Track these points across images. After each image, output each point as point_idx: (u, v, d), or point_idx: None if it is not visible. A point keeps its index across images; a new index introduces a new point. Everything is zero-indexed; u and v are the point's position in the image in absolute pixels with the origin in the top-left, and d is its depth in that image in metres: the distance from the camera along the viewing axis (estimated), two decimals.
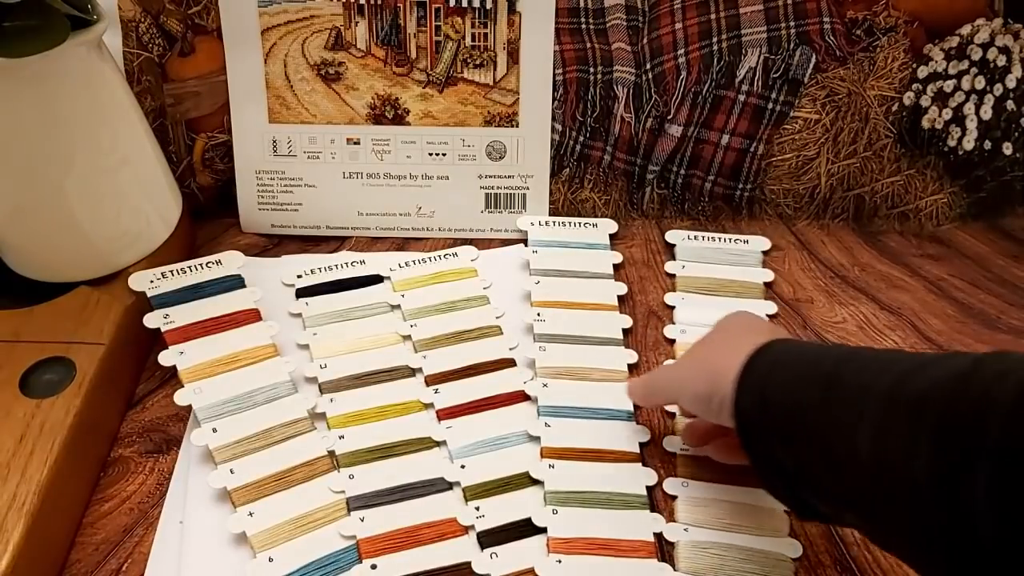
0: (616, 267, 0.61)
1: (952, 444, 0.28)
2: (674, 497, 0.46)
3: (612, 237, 0.64)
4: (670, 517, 0.45)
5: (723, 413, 0.39)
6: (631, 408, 0.50)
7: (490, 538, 0.43)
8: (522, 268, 0.61)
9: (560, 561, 0.42)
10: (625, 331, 0.56)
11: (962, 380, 0.29)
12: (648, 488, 0.46)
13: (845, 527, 0.37)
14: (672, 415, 0.50)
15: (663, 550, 0.44)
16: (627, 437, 0.48)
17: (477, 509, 0.44)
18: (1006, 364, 0.28)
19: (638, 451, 0.48)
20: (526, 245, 0.62)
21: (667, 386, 0.46)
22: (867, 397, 0.31)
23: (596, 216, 0.67)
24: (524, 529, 0.44)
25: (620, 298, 0.58)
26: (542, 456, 0.47)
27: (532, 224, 0.63)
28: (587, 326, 0.55)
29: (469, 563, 0.42)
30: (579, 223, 0.64)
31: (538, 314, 0.55)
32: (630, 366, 0.53)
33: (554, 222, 0.64)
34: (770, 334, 0.40)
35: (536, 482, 0.46)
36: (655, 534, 0.44)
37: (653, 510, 0.45)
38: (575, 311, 0.56)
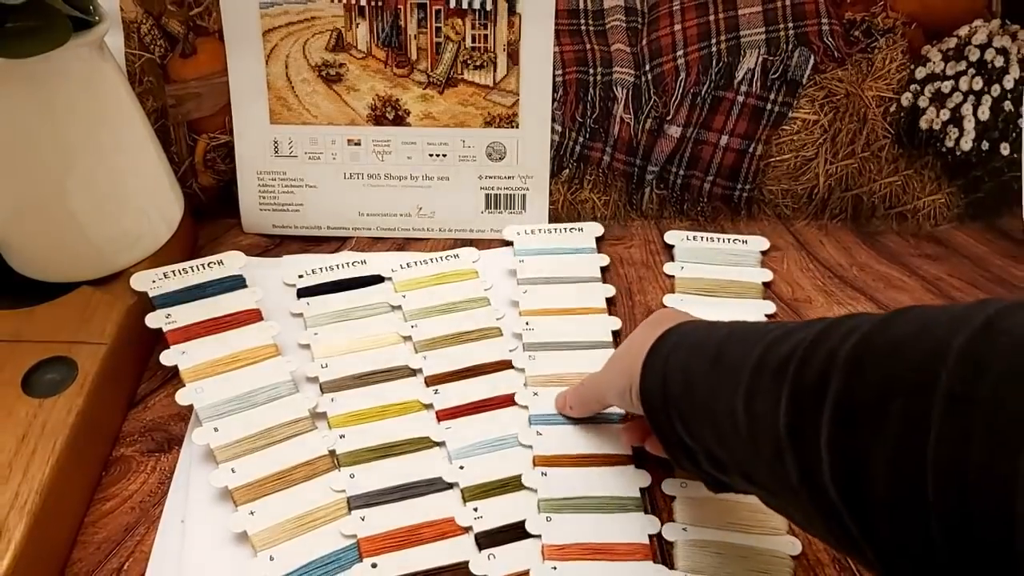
0: (604, 270, 0.61)
1: (803, 399, 0.29)
2: (672, 497, 0.46)
3: (603, 239, 0.64)
4: (668, 517, 0.45)
5: (637, 402, 0.40)
6: (622, 412, 0.49)
7: (488, 539, 0.43)
8: (514, 274, 0.61)
9: (555, 568, 0.42)
10: (615, 333, 0.56)
11: (815, 341, 0.30)
12: (642, 490, 0.46)
13: (746, 494, 0.37)
14: None
15: (662, 552, 0.44)
16: (617, 441, 0.48)
17: (475, 510, 0.44)
18: (853, 322, 0.29)
19: (630, 453, 0.47)
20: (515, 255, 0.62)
21: (594, 389, 0.47)
22: (742, 367, 0.33)
23: (596, 217, 0.67)
24: (522, 531, 0.44)
25: (610, 300, 0.58)
26: (535, 464, 0.47)
27: (518, 234, 0.63)
28: (576, 331, 0.55)
29: (467, 563, 0.42)
30: (565, 228, 0.64)
31: (527, 323, 0.55)
32: None
33: (540, 229, 0.64)
34: (680, 321, 0.41)
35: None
36: (651, 536, 0.44)
37: (650, 511, 0.45)
38: (564, 317, 0.56)
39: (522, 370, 0.53)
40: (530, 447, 0.48)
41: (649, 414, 0.39)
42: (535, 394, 0.51)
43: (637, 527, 0.44)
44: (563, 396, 0.50)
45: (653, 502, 0.46)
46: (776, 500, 0.34)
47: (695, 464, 0.38)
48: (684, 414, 0.37)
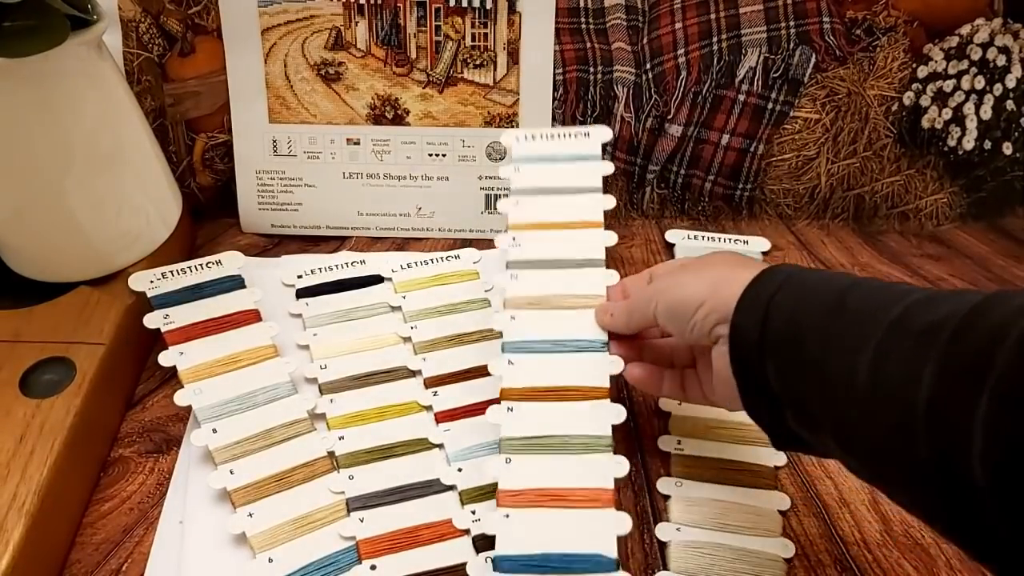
0: (606, 180, 0.54)
1: (957, 373, 0.27)
2: (667, 496, 0.46)
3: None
4: (663, 516, 0.45)
5: (702, 328, 0.38)
6: (606, 337, 0.45)
7: (486, 542, 0.43)
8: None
9: (508, 516, 0.39)
10: (608, 251, 0.51)
11: (976, 312, 0.28)
12: (615, 427, 0.42)
13: (825, 458, 0.36)
14: (666, 414, 0.50)
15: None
16: (598, 371, 0.43)
17: (473, 513, 0.44)
18: (1020, 300, 0.27)
19: (608, 386, 0.43)
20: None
21: (648, 303, 0.42)
22: (873, 323, 0.30)
23: None
24: None
25: (608, 215, 0.53)
26: (501, 398, 0.43)
27: (517, 139, 0.56)
28: (567, 247, 0.50)
29: (465, 564, 0.42)
30: (570, 133, 0.56)
31: (513, 238, 0.50)
32: (609, 288, 0.48)
33: (542, 134, 0.56)
34: (762, 267, 0.39)
35: None
36: (616, 480, 0.40)
37: (621, 452, 0.41)
38: (555, 232, 0.51)
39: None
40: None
41: (737, 352, 0.36)
42: (512, 318, 0.46)
43: (600, 471, 0.40)
44: (606, 307, 0.46)
45: (629, 443, 0.44)
46: (872, 470, 0.32)
47: (774, 416, 0.35)
48: (784, 361, 0.34)
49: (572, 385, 0.43)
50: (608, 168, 0.54)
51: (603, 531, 0.38)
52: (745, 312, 0.36)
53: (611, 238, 0.50)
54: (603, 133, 0.56)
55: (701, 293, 0.38)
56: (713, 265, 0.41)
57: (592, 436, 0.41)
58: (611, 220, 0.67)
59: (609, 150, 0.66)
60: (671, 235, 0.65)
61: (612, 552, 0.37)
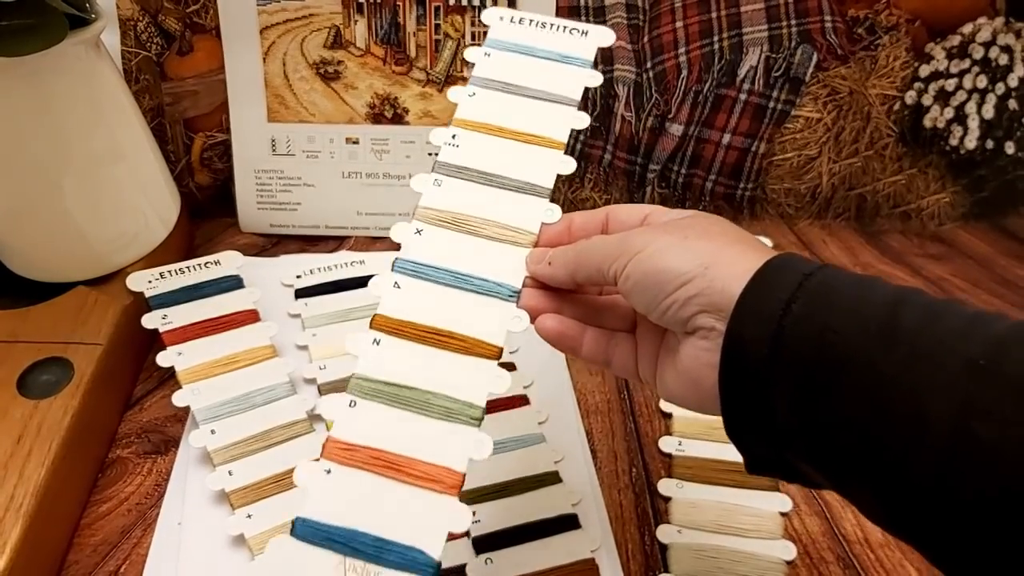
0: (587, 91, 0.45)
1: None
2: (668, 498, 0.45)
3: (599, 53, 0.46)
4: (664, 518, 0.45)
5: (680, 312, 0.31)
6: (518, 285, 0.37)
7: (485, 543, 0.43)
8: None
9: (329, 472, 0.32)
10: (560, 176, 0.42)
11: None
12: (490, 395, 0.34)
13: (818, 489, 0.31)
14: (668, 415, 0.50)
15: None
16: (495, 323, 0.35)
17: (473, 514, 0.44)
18: None
19: (500, 344, 0.35)
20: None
21: (604, 255, 0.33)
22: (944, 356, 0.25)
23: None
24: (520, 534, 0.43)
25: (575, 134, 0.46)
26: (372, 326, 0.35)
27: (501, 19, 0.46)
28: (511, 164, 0.41)
29: (464, 566, 0.42)
30: (564, 27, 0.46)
31: (453, 136, 0.41)
32: (545, 226, 0.39)
33: (532, 20, 0.46)
34: (765, 252, 0.31)
35: (531, 487, 0.45)
36: (469, 460, 0.32)
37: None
38: (505, 141, 0.42)
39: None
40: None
41: (732, 366, 0.29)
42: (418, 232, 0.39)
43: (456, 447, 0.32)
44: (541, 251, 0.37)
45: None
46: (925, 531, 0.26)
47: (766, 443, 0.29)
48: (807, 392, 0.27)
49: (458, 333, 0.35)
50: (596, 79, 0.44)
51: (434, 524, 0.30)
52: (749, 319, 0.28)
53: (568, 165, 0.41)
54: (603, 35, 0.46)
55: (687, 268, 0.30)
56: (706, 234, 0.32)
57: (459, 401, 0.33)
58: None
59: (610, 149, 0.66)
60: None
61: (436, 551, 0.30)
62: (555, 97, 0.43)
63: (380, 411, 0.33)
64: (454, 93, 0.43)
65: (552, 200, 0.40)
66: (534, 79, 0.44)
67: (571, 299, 0.37)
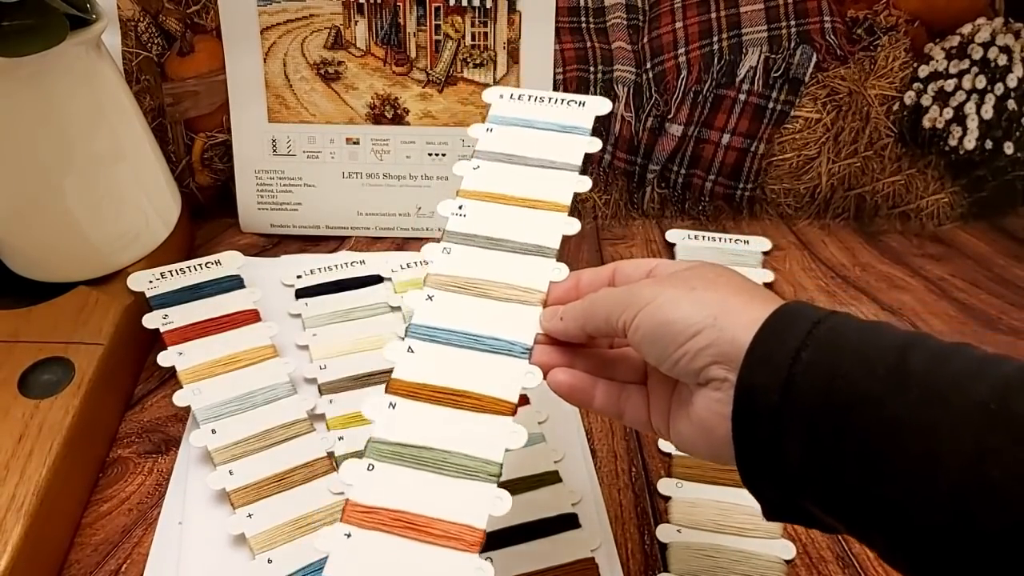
0: (587, 158, 0.46)
1: None
2: (668, 498, 0.46)
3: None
4: (663, 518, 0.45)
5: (692, 363, 0.31)
6: (530, 342, 0.37)
7: (487, 543, 0.43)
8: None
9: (349, 536, 0.32)
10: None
11: None
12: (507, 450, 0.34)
13: (832, 533, 0.32)
14: None
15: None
16: (509, 380, 0.36)
17: None
18: None
19: (515, 401, 0.36)
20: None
21: (613, 307, 0.34)
22: (954, 398, 0.25)
23: (596, 216, 0.67)
24: (520, 534, 0.43)
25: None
26: (388, 390, 0.36)
27: (500, 97, 0.48)
28: (518, 228, 0.42)
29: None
30: (562, 99, 0.48)
31: (460, 206, 0.43)
32: (553, 284, 0.40)
33: (530, 96, 0.48)
34: (771, 299, 0.32)
35: (531, 486, 0.45)
36: (488, 516, 0.33)
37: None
38: (511, 208, 0.43)
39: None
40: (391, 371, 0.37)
41: (744, 415, 0.29)
42: (429, 298, 0.39)
43: (475, 505, 0.33)
44: (553, 309, 0.38)
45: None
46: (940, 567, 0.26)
47: (781, 492, 0.30)
48: (816, 440, 0.27)
49: (473, 391, 0.36)
50: (594, 145, 0.46)
51: None
52: (759, 368, 0.29)
53: (572, 226, 0.42)
54: (600, 105, 0.48)
55: (698, 319, 0.31)
56: (712, 284, 0.33)
57: (477, 459, 0.34)
58: (612, 220, 0.67)
59: (610, 149, 0.66)
60: (672, 235, 0.65)
61: None
62: (557, 164, 0.45)
63: (398, 473, 0.34)
64: (459, 167, 0.45)
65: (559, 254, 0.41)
66: (535, 149, 0.45)
67: (583, 353, 0.38)
